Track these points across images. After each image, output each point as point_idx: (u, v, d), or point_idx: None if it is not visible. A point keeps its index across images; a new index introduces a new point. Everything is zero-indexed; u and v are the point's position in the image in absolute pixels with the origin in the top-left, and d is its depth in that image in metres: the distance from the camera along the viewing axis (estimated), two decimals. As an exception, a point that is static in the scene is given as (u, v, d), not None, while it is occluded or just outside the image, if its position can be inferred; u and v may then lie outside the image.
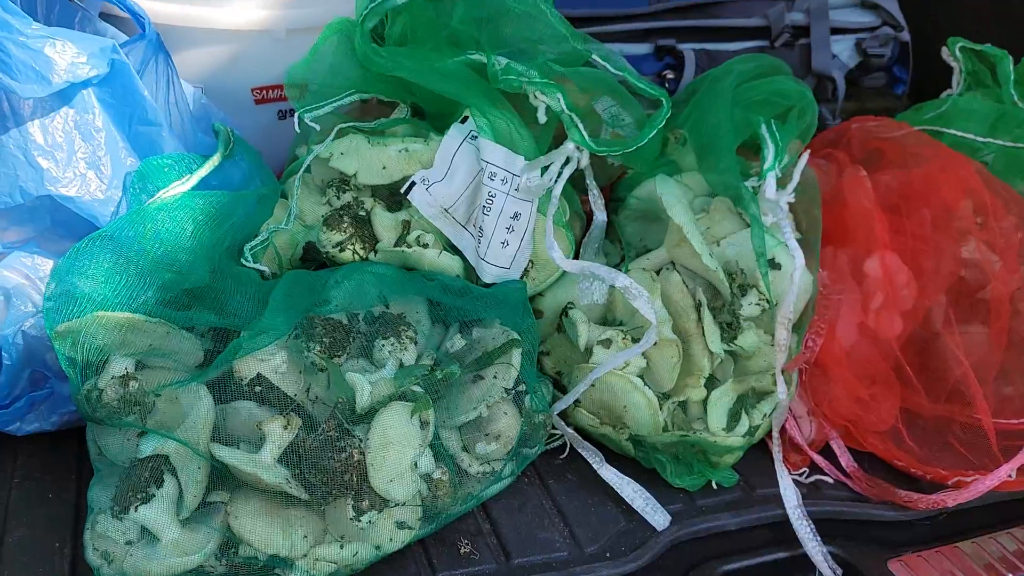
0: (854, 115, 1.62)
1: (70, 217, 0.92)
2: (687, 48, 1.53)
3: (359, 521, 0.80)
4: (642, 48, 1.54)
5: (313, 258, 1.02)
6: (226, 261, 0.92)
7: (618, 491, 1.01)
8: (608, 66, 1.06)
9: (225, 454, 0.78)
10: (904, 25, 1.54)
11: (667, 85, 1.53)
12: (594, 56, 1.06)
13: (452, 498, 0.88)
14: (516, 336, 0.93)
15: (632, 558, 0.94)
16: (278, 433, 0.80)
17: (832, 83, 1.56)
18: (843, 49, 1.56)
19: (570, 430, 1.03)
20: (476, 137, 1.00)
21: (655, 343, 0.98)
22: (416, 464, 0.83)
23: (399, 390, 0.84)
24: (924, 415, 1.13)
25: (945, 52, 1.39)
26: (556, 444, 1.06)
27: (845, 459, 1.10)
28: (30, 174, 0.87)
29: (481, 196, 0.99)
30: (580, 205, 1.11)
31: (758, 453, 1.09)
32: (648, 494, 1.01)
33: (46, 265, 0.93)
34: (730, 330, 0.99)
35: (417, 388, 0.85)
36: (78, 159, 0.89)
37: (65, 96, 0.88)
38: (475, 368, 0.92)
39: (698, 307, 0.99)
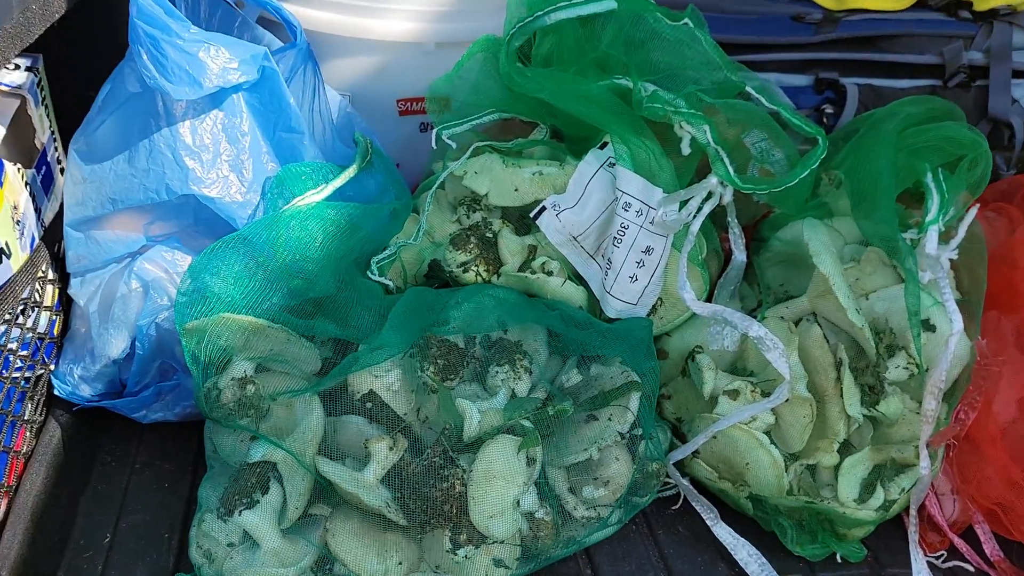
0: (1032, 165, 1.51)
1: (211, 216, 0.94)
2: (850, 82, 1.44)
3: (455, 554, 0.78)
4: (801, 80, 1.45)
5: (437, 276, 1.00)
6: (352, 273, 0.92)
7: (731, 552, 0.95)
8: (762, 99, 1.01)
9: (329, 469, 0.77)
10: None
11: (826, 121, 1.44)
12: (748, 88, 1.00)
13: (554, 540, 0.84)
14: (636, 378, 0.89)
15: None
16: (383, 453, 0.79)
17: (1010, 130, 1.43)
18: (1025, 94, 1.43)
19: (685, 481, 0.98)
20: (614, 165, 0.96)
21: (787, 400, 0.91)
22: (519, 502, 0.80)
23: (508, 422, 0.81)
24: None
25: None
26: (669, 493, 1.00)
27: (990, 546, 1.00)
28: (176, 173, 0.89)
29: (613, 227, 0.95)
30: (718, 243, 1.05)
31: (892, 528, 1.00)
32: (764, 559, 0.94)
33: (185, 261, 0.96)
34: (872, 394, 0.91)
35: (527, 422, 0.82)
36: (222, 161, 0.91)
37: (216, 99, 0.90)
38: (589, 407, 0.88)
39: (838, 365, 0.91)
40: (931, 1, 1.49)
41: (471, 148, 1.02)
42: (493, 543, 0.80)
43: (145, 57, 0.84)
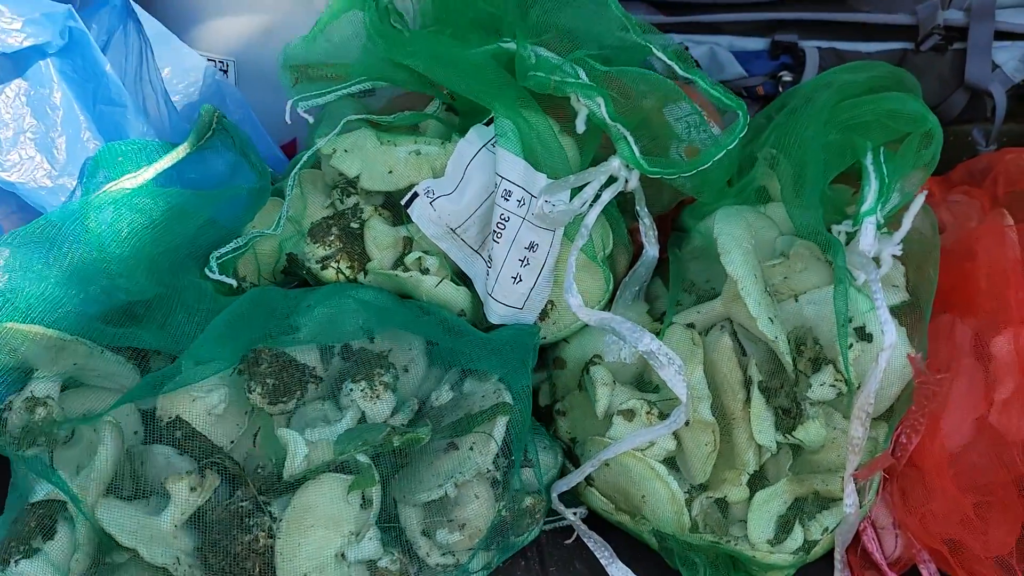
0: (1021, 139, 1.35)
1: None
2: (810, 45, 1.28)
3: (265, 617, 0.65)
4: (757, 43, 1.30)
5: (295, 273, 0.87)
6: (179, 271, 0.78)
7: (626, 595, 0.82)
8: (675, 66, 0.85)
9: (108, 516, 0.64)
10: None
11: (782, 90, 1.28)
12: (658, 52, 0.85)
13: (401, 592, 0.71)
14: (508, 399, 0.75)
15: None
16: (183, 495, 0.66)
17: (991, 100, 1.27)
18: (1009, 58, 1.26)
19: (574, 515, 0.84)
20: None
21: (687, 424, 0.77)
22: (343, 554, 0.67)
23: (339, 457, 0.68)
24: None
25: None
26: (566, 523, 0.87)
27: (935, 588, 0.86)
28: (-31, 154, 0.76)
29: (494, 218, 0.81)
30: (627, 235, 0.91)
31: (824, 567, 0.86)
32: (665, 606, 0.81)
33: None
34: (788, 417, 0.77)
35: (363, 456, 0.69)
36: (26, 140, 0.77)
37: (19, 66, 0.76)
38: (450, 433, 0.74)
39: (748, 384, 0.77)
40: (908, -45, 1.32)
41: (342, 122, 0.88)
42: (317, 601, 0.67)
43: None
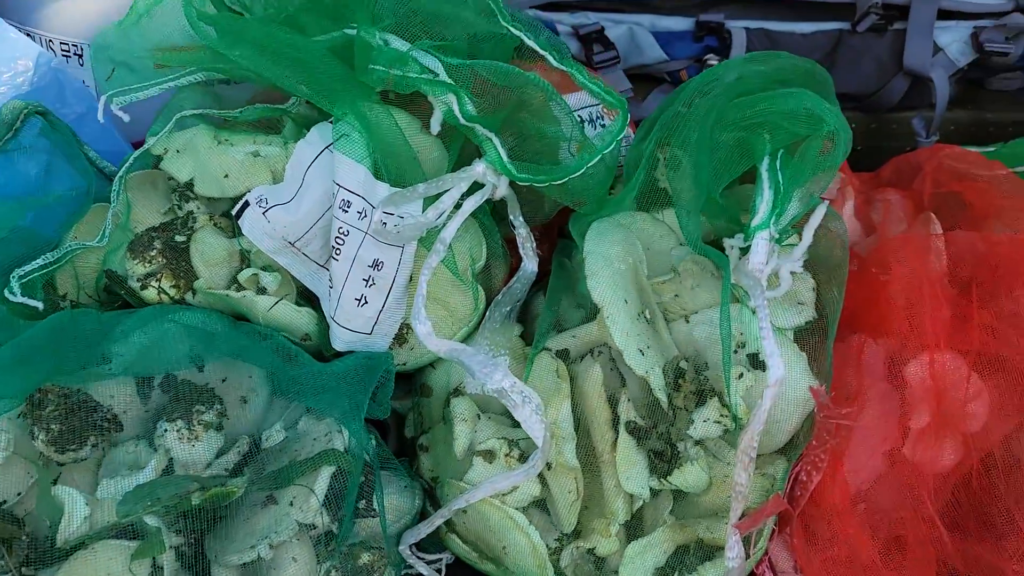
0: (970, 128, 1.25)
1: None
2: (738, 26, 1.17)
3: None
4: (681, 23, 1.19)
5: (117, 292, 0.76)
6: (-28, 293, 0.68)
7: (491, 657, 0.73)
8: (549, 57, 0.75)
9: None
10: (1044, 12, 1.12)
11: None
12: (528, 41, 0.74)
13: (210, 667, 0.62)
14: (337, 446, 0.65)
15: None
16: (-66, 569, 0.56)
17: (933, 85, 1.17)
18: (954, 40, 1.15)
19: (427, 568, 0.74)
20: (341, 147, 0.71)
21: (550, 467, 0.68)
22: (122, 637, 0.58)
23: (122, 520, 0.58)
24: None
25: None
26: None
27: (841, 644, 0.77)
28: None
29: (332, 232, 0.71)
30: (502, 247, 0.80)
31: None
32: (533, 665, 0.72)
33: None
34: (662, 461, 0.68)
35: (152, 519, 0.59)
36: None
37: None
38: (271, 485, 0.65)
39: (616, 424, 0.68)
40: (852, -75, 1.21)
41: (174, 119, 0.77)
42: None
43: None
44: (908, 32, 1.14)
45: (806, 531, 0.77)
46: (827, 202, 0.74)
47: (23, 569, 0.57)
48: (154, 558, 0.60)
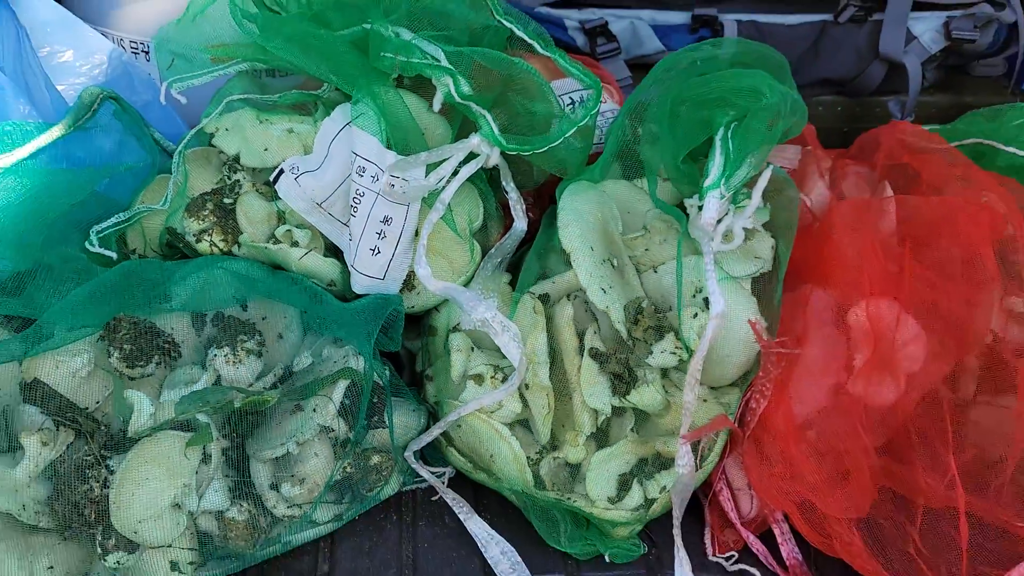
0: (950, 111, 1.35)
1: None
2: (730, 18, 1.29)
3: (105, 560, 0.71)
4: (678, 16, 1.31)
5: (176, 246, 0.92)
6: (61, 244, 0.84)
7: (482, 549, 0.86)
8: (536, 45, 0.88)
9: (-40, 469, 0.70)
10: (1010, 1, 1.21)
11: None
12: (519, 32, 0.88)
13: (248, 540, 0.77)
14: (353, 365, 0.79)
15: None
16: (35, 449, 0.72)
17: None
18: (927, 29, 1.25)
19: (432, 474, 0.88)
20: (359, 122, 0.85)
21: (528, 387, 0.81)
22: (179, 503, 0.73)
23: (179, 416, 0.73)
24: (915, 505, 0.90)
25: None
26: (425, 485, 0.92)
27: (787, 548, 0.89)
28: None
29: (351, 193, 0.85)
30: (498, 209, 0.94)
31: (692, 521, 0.90)
32: (518, 558, 0.86)
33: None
34: (621, 383, 0.81)
35: (203, 416, 0.74)
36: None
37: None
38: (298, 396, 0.79)
39: (582, 351, 0.81)
40: (837, -79, 1.32)
41: (223, 103, 0.93)
42: (162, 547, 0.73)
43: None
44: (884, 22, 1.24)
45: (757, 452, 0.89)
46: (771, 166, 0.85)
47: (102, 452, 0.72)
48: (204, 447, 0.74)
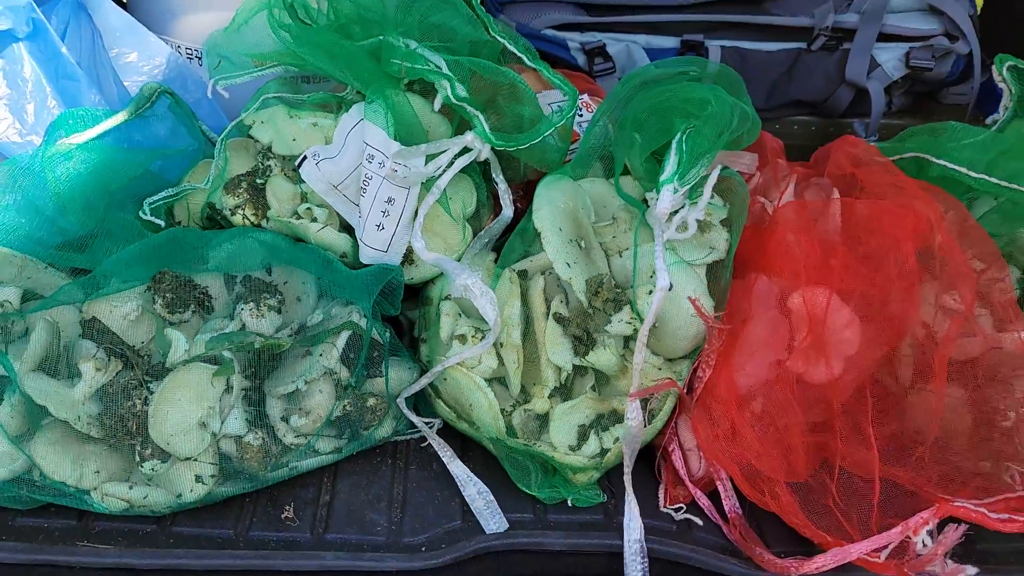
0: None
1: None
2: (715, 44, 1.43)
3: (142, 467, 0.86)
4: (669, 41, 1.46)
5: (215, 219, 1.08)
6: (119, 210, 1.00)
7: (461, 489, 1.00)
8: (524, 57, 1.03)
9: (31, 385, 0.86)
10: (965, 35, 1.34)
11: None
12: (510, 47, 1.03)
13: (261, 462, 0.91)
14: (355, 319, 0.94)
15: (438, 555, 0.94)
16: (90, 374, 0.87)
17: (886, 95, 1.40)
18: (890, 58, 1.39)
19: (417, 419, 1.03)
20: (372, 118, 1.01)
21: (503, 346, 0.95)
22: (204, 423, 0.88)
23: (208, 351, 0.89)
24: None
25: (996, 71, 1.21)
26: (418, 435, 1.06)
27: (729, 503, 1.02)
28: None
29: (361, 177, 1.00)
30: (489, 197, 1.09)
31: (646, 476, 1.03)
32: (491, 498, 0.99)
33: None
34: (581, 344, 0.95)
35: (227, 353, 0.89)
36: (2, 105, 1.00)
37: (-5, 47, 0.99)
38: (308, 343, 0.94)
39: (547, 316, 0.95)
40: (822, -40, 1.46)
41: (260, 100, 1.09)
42: (188, 460, 0.88)
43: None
44: (852, 50, 1.38)
45: (705, 415, 1.02)
46: (719, 167, 0.99)
47: (144, 377, 0.88)
48: (227, 379, 0.89)
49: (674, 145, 0.98)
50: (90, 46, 1.05)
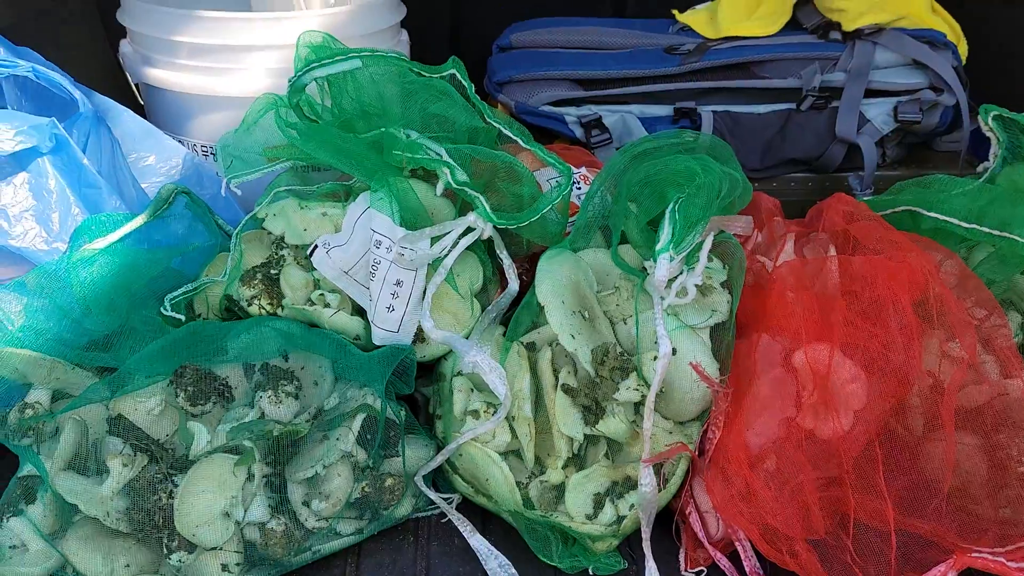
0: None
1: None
2: (707, 110, 1.48)
3: (170, 559, 0.89)
4: (662, 110, 1.51)
5: (232, 310, 1.12)
6: (141, 308, 1.04)
7: (483, 563, 1.02)
8: (519, 140, 1.08)
9: (61, 483, 0.89)
10: (950, 87, 1.38)
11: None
12: (505, 131, 1.08)
13: (285, 548, 0.93)
14: (369, 402, 0.97)
15: (464, 631, 0.95)
16: (117, 470, 0.90)
17: (879, 149, 1.43)
18: (879, 113, 1.43)
19: (436, 495, 1.05)
20: (378, 206, 1.05)
21: (515, 419, 0.98)
22: (228, 513, 0.90)
23: (230, 443, 0.92)
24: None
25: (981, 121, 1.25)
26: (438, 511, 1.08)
27: (749, 563, 1.02)
28: (-11, 228, 1.04)
29: (370, 262, 1.04)
30: (495, 272, 1.12)
31: (667, 543, 1.04)
32: (513, 571, 1.01)
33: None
34: (590, 414, 0.97)
35: (247, 442, 0.92)
36: (29, 216, 1.05)
37: (21, 163, 1.05)
38: (326, 428, 0.97)
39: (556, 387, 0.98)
40: (805, 24, 1.52)
41: (272, 193, 1.14)
42: (214, 550, 0.91)
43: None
44: (840, 108, 1.42)
45: (719, 476, 1.03)
46: (713, 233, 1.02)
47: (169, 471, 0.91)
48: (249, 468, 0.92)
49: (667, 215, 1.01)
50: (110, 154, 1.11)
